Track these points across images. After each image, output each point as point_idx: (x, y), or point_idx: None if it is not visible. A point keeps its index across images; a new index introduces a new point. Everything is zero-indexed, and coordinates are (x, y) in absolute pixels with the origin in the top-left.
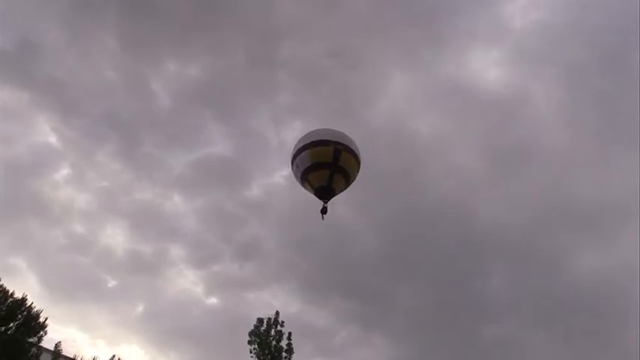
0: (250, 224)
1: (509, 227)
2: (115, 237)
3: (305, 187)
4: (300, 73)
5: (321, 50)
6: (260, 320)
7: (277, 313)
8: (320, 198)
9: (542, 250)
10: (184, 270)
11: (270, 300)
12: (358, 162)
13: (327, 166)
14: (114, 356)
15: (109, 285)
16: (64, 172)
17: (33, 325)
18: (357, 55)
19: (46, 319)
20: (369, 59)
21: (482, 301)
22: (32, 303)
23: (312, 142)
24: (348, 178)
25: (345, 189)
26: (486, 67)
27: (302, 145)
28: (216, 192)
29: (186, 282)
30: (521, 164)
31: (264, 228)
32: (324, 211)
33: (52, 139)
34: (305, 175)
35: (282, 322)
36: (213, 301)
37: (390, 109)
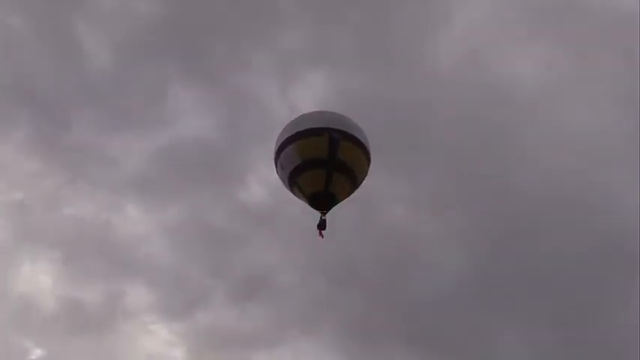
0: (252, 243)
1: None
2: (40, 278)
3: (296, 195)
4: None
5: None
6: None
7: None
8: (316, 208)
9: None
10: (152, 323)
11: None
12: (366, 153)
13: (321, 163)
14: None
15: (33, 357)
16: None
17: None
18: None
19: None
20: None
21: (631, 340)
22: None
23: (299, 133)
24: (354, 178)
25: (351, 192)
26: None
27: (285, 137)
28: (195, 196)
29: (157, 342)
30: None
31: (273, 248)
32: (321, 226)
33: None
34: (293, 179)
35: None
36: None
37: (458, 48)
